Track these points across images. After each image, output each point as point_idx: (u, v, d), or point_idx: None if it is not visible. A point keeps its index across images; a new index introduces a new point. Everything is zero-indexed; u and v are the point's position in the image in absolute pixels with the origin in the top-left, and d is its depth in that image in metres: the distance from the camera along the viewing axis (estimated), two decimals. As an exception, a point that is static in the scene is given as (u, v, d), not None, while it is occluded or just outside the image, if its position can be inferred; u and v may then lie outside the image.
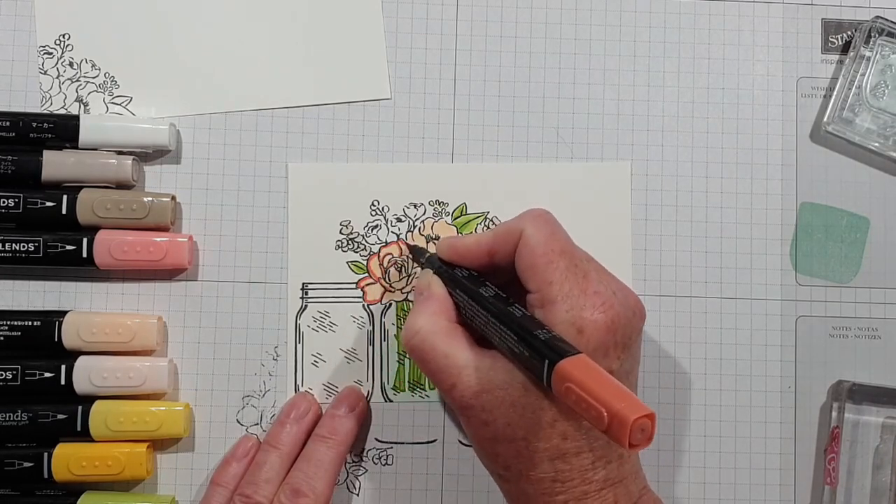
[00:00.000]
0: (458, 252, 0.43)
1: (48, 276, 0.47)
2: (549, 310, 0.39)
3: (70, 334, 0.45)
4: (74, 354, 0.46)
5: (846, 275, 0.49)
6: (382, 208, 0.48)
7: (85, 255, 0.46)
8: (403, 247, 0.48)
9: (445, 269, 0.43)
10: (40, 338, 0.45)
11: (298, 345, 0.48)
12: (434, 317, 0.41)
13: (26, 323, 0.46)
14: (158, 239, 0.46)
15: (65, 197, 0.46)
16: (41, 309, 0.47)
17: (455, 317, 0.42)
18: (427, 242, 0.48)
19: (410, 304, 0.48)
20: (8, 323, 0.46)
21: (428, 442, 0.48)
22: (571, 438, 0.38)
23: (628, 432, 0.32)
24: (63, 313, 0.46)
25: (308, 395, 0.47)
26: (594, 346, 0.38)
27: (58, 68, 0.48)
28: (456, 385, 0.39)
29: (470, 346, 0.40)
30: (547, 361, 0.36)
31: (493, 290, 0.41)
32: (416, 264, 0.48)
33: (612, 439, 0.33)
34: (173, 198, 0.47)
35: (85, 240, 0.46)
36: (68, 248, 0.46)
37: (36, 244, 0.46)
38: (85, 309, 0.47)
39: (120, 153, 0.47)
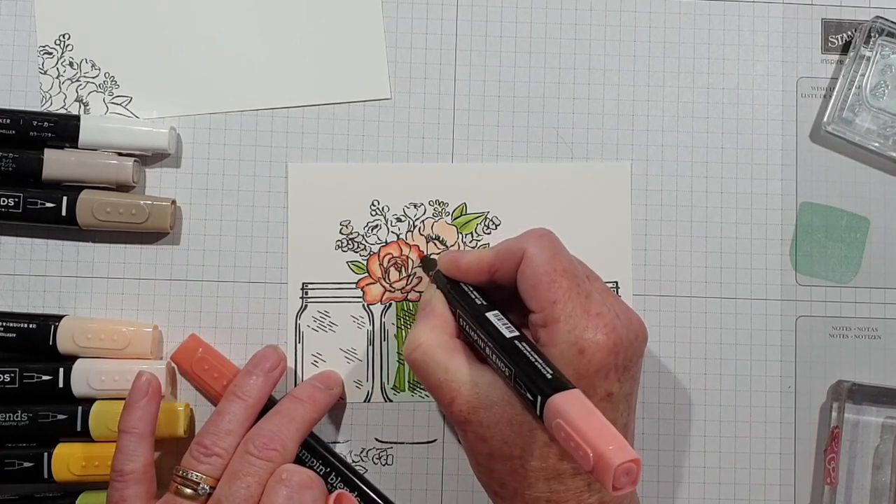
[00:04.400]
0: (459, 268, 0.43)
1: (47, 272, 0.47)
2: (551, 329, 0.39)
3: (64, 339, 0.45)
4: (71, 357, 0.46)
5: (846, 275, 0.49)
6: (382, 208, 0.48)
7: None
8: (404, 247, 0.48)
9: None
10: (35, 340, 0.45)
11: (298, 345, 0.48)
12: (435, 331, 0.41)
13: (22, 325, 0.46)
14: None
15: (65, 198, 0.46)
16: (40, 312, 0.47)
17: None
18: (427, 242, 0.48)
19: (410, 304, 0.48)
20: (3, 324, 0.46)
21: (428, 442, 0.48)
22: (568, 459, 0.38)
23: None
24: (59, 317, 0.46)
25: (279, 350, 0.47)
26: (595, 367, 0.38)
27: (58, 68, 0.48)
28: (455, 399, 0.39)
29: (469, 361, 0.40)
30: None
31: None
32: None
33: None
34: (173, 202, 0.47)
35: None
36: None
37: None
38: (84, 309, 0.47)
39: (119, 154, 0.47)
